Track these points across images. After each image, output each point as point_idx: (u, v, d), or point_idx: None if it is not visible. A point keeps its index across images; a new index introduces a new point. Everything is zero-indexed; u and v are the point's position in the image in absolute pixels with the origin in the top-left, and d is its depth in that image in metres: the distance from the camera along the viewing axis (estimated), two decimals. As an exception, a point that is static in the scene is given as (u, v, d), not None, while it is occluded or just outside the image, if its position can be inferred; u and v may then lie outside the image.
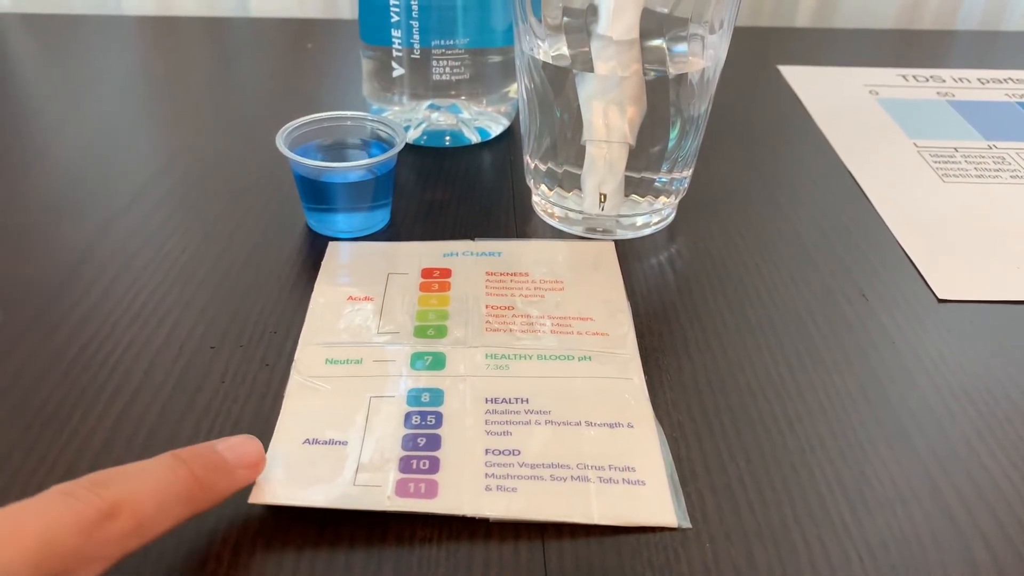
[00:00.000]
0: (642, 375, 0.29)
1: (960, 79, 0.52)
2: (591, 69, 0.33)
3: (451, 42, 0.40)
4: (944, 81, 0.52)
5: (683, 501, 0.24)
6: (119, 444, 0.26)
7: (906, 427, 0.27)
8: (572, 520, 0.24)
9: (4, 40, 0.57)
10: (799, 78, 0.52)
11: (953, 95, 0.50)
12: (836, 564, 0.23)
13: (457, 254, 0.35)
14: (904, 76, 0.52)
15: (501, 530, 0.24)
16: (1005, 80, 0.52)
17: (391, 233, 0.36)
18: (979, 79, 0.52)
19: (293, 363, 0.29)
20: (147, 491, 0.20)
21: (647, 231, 0.37)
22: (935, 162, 0.43)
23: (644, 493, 0.24)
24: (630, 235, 0.37)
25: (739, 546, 0.23)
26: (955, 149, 0.44)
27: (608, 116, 0.34)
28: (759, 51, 0.57)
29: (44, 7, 0.62)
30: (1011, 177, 0.42)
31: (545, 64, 0.34)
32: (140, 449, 0.26)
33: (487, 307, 0.31)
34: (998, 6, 0.66)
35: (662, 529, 0.24)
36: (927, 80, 0.52)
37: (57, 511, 0.19)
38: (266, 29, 0.59)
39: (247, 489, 0.23)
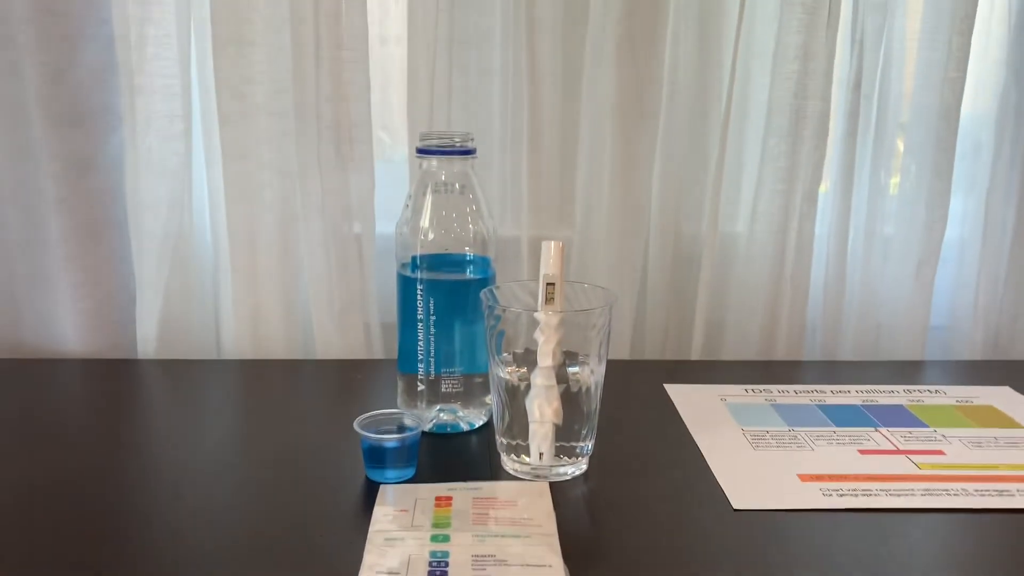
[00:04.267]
0: (558, 543, 0.53)
1: (782, 391, 0.80)
2: (530, 383, 0.60)
3: (452, 370, 0.68)
4: (772, 392, 0.80)
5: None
6: (278, 577, 0.49)
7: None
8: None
9: (142, 382, 0.85)
10: (676, 392, 0.79)
11: (775, 400, 0.78)
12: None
13: (456, 489, 0.59)
14: (746, 390, 0.80)
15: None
16: (812, 391, 0.80)
17: (416, 480, 0.61)
18: (795, 390, 0.80)
19: (368, 538, 0.52)
20: None
21: (569, 477, 0.62)
22: (752, 438, 0.69)
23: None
24: (559, 479, 0.62)
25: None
26: (767, 431, 0.71)
27: (542, 409, 0.61)
28: (654, 376, 0.84)
29: (169, 353, 0.90)
30: (797, 447, 0.68)
31: (507, 382, 0.62)
32: (290, 578, 0.49)
33: (473, 513, 0.56)
34: (832, 340, 0.96)
35: (562, 606, 0.47)
36: (760, 392, 0.80)
37: None
38: (328, 367, 0.88)
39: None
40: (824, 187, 0.92)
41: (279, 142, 0.85)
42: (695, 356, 0.94)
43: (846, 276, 0.94)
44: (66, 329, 0.87)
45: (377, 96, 0.86)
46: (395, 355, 0.72)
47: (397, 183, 0.89)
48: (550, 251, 0.61)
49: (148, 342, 0.88)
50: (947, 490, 0.61)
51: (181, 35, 0.82)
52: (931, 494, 0.60)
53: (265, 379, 0.84)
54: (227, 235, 0.87)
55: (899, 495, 0.60)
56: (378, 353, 0.92)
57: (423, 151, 0.67)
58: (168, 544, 0.54)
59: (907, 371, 0.88)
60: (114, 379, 0.83)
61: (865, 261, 0.94)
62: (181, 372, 0.85)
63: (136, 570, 0.51)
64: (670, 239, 0.94)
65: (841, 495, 0.60)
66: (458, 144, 0.67)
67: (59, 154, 0.83)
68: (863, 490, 0.61)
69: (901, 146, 0.92)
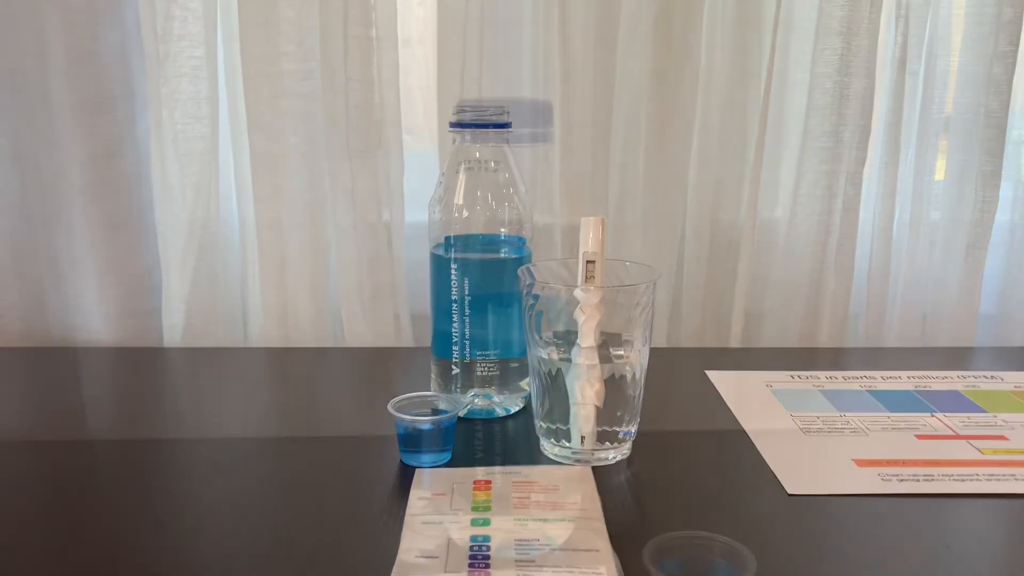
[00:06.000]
0: (604, 527, 0.50)
1: (830, 376, 0.77)
2: (571, 363, 0.57)
3: (487, 353, 0.66)
4: (819, 378, 0.76)
5: (624, 580, 0.45)
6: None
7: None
8: (563, 586, 0.44)
9: (169, 371, 0.83)
10: (719, 378, 0.76)
11: (823, 386, 0.74)
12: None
13: (494, 473, 0.57)
14: (792, 376, 0.77)
15: (525, 591, 0.44)
16: (861, 377, 0.77)
17: (452, 465, 0.59)
18: (843, 376, 0.77)
19: (404, 523, 0.50)
20: None
21: (612, 462, 0.59)
22: (802, 424, 0.66)
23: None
24: (602, 464, 0.59)
25: (654, 598, 0.43)
26: (817, 416, 0.67)
27: (584, 390, 0.58)
28: (695, 363, 0.81)
29: (196, 341, 0.88)
30: (851, 432, 0.65)
31: (547, 363, 0.59)
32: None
33: (514, 497, 0.53)
34: (876, 329, 0.93)
35: (612, 591, 0.44)
36: (807, 378, 0.76)
37: None
38: (358, 354, 0.85)
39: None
40: (867, 170, 0.88)
41: (307, 125, 0.83)
42: (734, 344, 0.91)
43: (891, 261, 0.91)
44: (92, 317, 0.85)
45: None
46: (426, 344, 0.70)
47: (426, 172, 0.87)
48: (590, 227, 0.58)
49: (174, 330, 0.86)
50: (1013, 475, 0.58)
51: (207, 15, 0.81)
52: (996, 479, 0.57)
53: (294, 367, 0.82)
54: (254, 221, 0.85)
55: (963, 480, 0.57)
56: (406, 341, 0.89)
57: (457, 124, 0.65)
58: (199, 532, 0.51)
59: (959, 357, 0.84)
60: (140, 367, 0.81)
61: (911, 245, 0.91)
62: (208, 360, 0.83)
63: (169, 555, 0.49)
64: (707, 225, 0.91)
65: (901, 480, 0.57)
66: (492, 117, 0.65)
67: (85, 140, 0.81)
68: (924, 475, 0.57)
69: (948, 125, 0.89)
